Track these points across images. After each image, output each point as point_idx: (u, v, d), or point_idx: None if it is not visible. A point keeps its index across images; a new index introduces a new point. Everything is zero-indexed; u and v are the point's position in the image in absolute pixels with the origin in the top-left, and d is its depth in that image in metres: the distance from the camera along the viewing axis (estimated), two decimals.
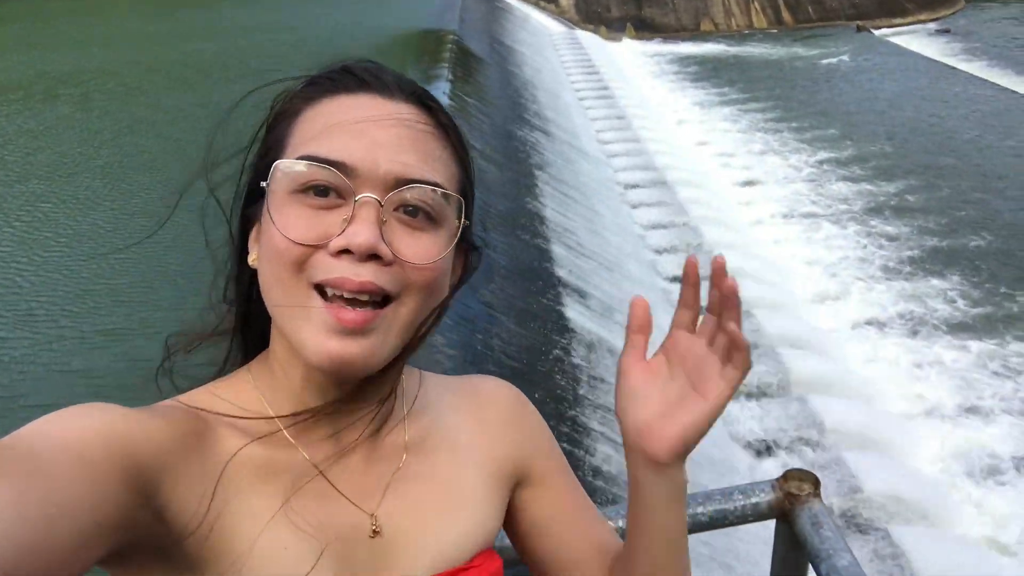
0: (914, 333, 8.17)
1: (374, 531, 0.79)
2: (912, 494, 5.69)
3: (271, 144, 0.78)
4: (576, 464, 4.72)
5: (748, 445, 6.26)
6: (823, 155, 13.74)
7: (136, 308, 5.61)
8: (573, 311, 6.60)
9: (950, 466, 6.30)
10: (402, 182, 0.73)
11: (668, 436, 0.77)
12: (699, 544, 4.41)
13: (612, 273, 8.00)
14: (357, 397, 0.79)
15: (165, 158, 8.84)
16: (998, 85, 17.87)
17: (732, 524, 1.27)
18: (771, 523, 1.29)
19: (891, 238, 10.39)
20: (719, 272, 0.75)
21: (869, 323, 8.39)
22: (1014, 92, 17.17)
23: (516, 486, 0.92)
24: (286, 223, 0.72)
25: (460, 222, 0.78)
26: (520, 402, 0.97)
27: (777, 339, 7.48)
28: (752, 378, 6.92)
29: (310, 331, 0.71)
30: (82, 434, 0.62)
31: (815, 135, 14.91)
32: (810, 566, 1.20)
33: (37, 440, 0.60)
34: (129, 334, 5.26)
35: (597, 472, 4.75)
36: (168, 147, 9.33)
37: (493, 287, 6.23)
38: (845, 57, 22.43)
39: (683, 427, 0.77)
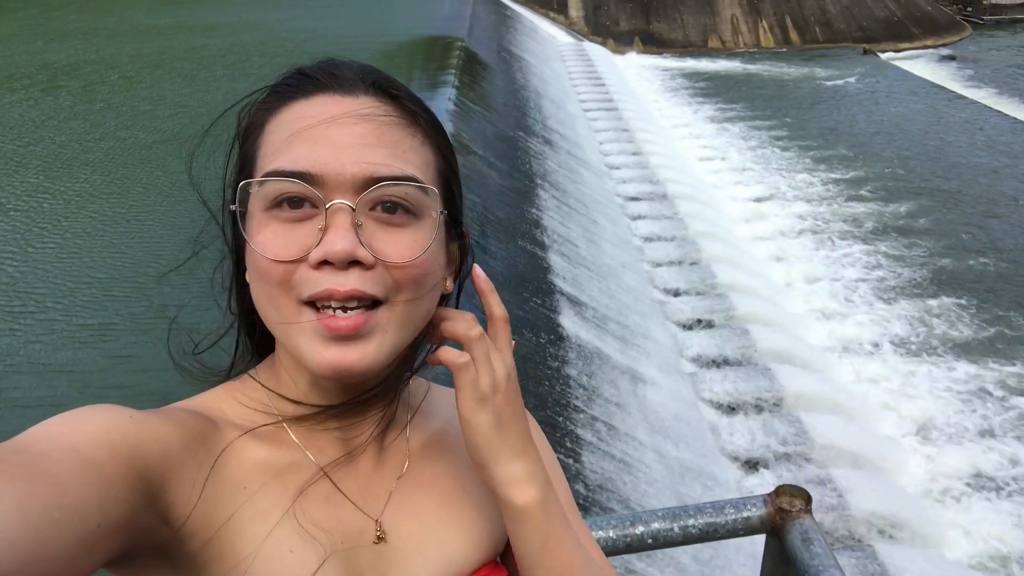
0: (909, 353, 8.19)
1: (379, 537, 0.78)
2: (901, 513, 5.70)
3: (243, 162, 0.76)
4: (565, 473, 4.70)
5: (737, 459, 6.25)
6: (827, 174, 13.79)
7: (128, 304, 5.59)
8: (568, 320, 6.60)
9: (939, 486, 6.32)
10: (371, 182, 0.71)
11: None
12: (688, 557, 4.39)
13: (608, 283, 8.00)
14: (363, 400, 0.79)
15: (164, 152, 8.83)
16: (1005, 113, 17.95)
17: (723, 537, 1.27)
18: (761, 538, 1.28)
19: (893, 259, 10.43)
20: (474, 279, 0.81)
21: (865, 342, 8.41)
22: (1020, 121, 17.24)
23: None
24: (264, 243, 0.71)
25: (440, 211, 0.76)
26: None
27: (771, 355, 7.48)
28: (745, 393, 6.92)
29: (306, 343, 0.71)
30: (88, 437, 0.61)
31: (820, 154, 14.97)
32: None
33: (43, 443, 0.59)
34: (117, 330, 5.24)
35: (587, 482, 4.73)
36: (167, 140, 9.32)
37: None
38: (852, 79, 22.53)
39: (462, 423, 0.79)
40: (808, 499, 1.26)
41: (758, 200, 12.56)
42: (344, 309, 0.70)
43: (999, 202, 12.57)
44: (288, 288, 0.70)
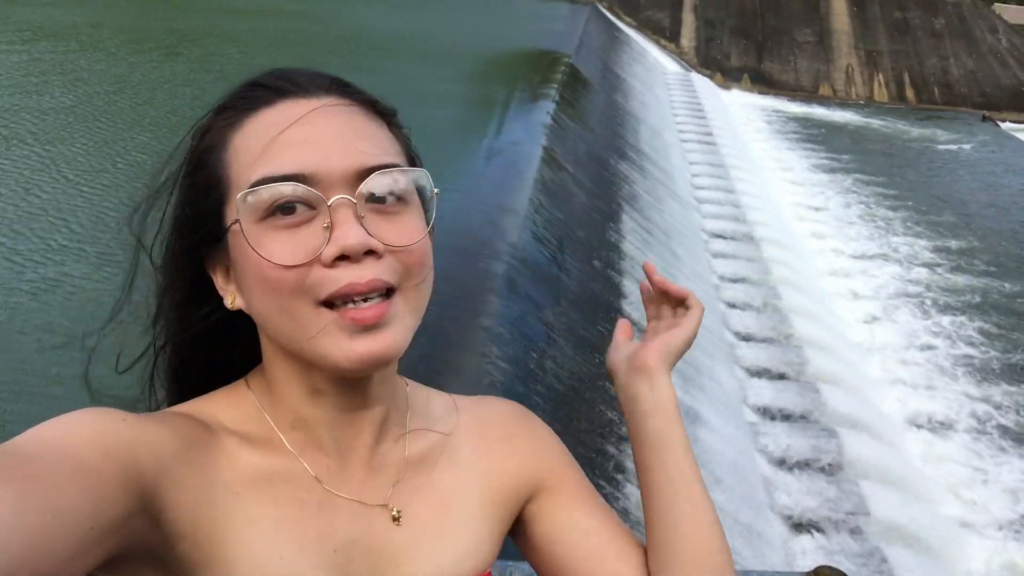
0: (982, 438, 7.76)
1: (372, 544, 0.79)
2: None
3: (209, 183, 0.75)
4: (607, 500, 4.62)
5: (788, 519, 6.02)
6: (931, 241, 13.13)
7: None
8: None
9: None
10: (364, 172, 0.72)
11: (654, 346, 0.96)
12: None
13: None
14: (359, 405, 0.79)
15: None
16: None
17: None
18: None
19: (990, 338, 9.86)
20: (650, 273, 1.05)
21: (938, 419, 8.00)
22: None
23: (527, 501, 0.91)
24: (270, 251, 0.70)
25: (426, 194, 0.78)
26: (523, 415, 0.95)
27: (839, 417, 7.21)
28: (806, 451, 6.68)
29: (331, 342, 0.71)
30: (83, 440, 0.62)
31: (926, 218, 14.30)
32: None
33: (37, 446, 0.60)
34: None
35: (626, 514, 4.64)
36: None
37: (557, 310, 6.18)
38: (968, 146, 21.62)
39: (664, 340, 0.97)
40: None
41: (852, 256, 12.13)
42: (365, 299, 0.70)
43: None
44: (302, 293, 0.70)
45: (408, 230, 0.74)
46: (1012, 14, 34.61)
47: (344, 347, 0.70)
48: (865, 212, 14.46)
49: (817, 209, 14.33)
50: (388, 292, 0.72)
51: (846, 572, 1.20)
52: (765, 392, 7.54)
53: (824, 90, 28.66)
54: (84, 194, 7.01)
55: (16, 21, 14.36)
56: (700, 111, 19.08)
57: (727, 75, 28.37)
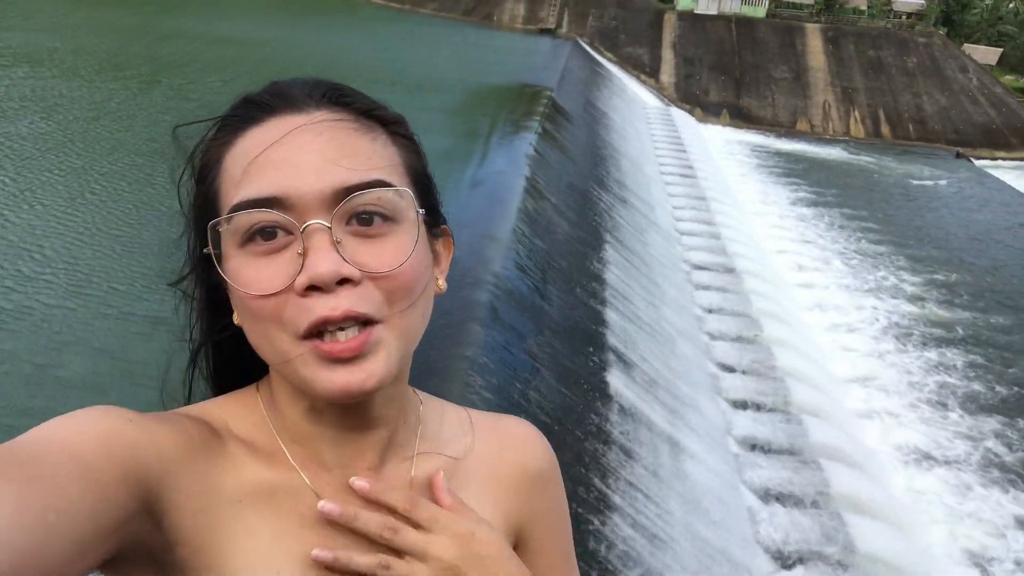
0: (967, 471, 7.75)
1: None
2: None
3: (204, 204, 0.73)
4: (590, 534, 4.53)
5: (772, 552, 5.95)
6: (911, 275, 13.33)
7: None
8: (616, 378, 6.44)
9: None
10: (341, 194, 0.67)
11: None
12: None
13: (663, 348, 7.82)
14: (362, 426, 0.77)
15: None
16: None
17: None
18: None
19: (972, 368, 9.94)
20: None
21: (921, 451, 8.00)
22: None
23: (513, 543, 0.88)
24: (246, 280, 0.68)
25: (417, 211, 0.72)
26: (550, 464, 0.92)
27: (822, 449, 7.18)
28: (790, 483, 6.63)
29: (311, 372, 0.68)
30: (86, 440, 0.61)
31: (906, 252, 14.53)
32: None
33: (40, 445, 0.59)
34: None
35: (610, 545, 4.54)
36: None
37: (541, 339, 6.13)
38: (943, 182, 22.07)
39: None
40: None
41: (833, 288, 12.22)
42: (342, 328, 0.67)
43: None
44: (281, 323, 0.68)
45: (390, 254, 0.69)
46: (981, 54, 35.46)
47: (323, 378, 0.68)
48: (846, 246, 14.61)
49: (798, 242, 14.46)
50: (368, 320, 0.68)
51: None
52: (749, 423, 7.51)
53: (802, 125, 29.12)
54: (59, 220, 6.91)
55: None
56: (680, 144, 19.29)
57: (706, 110, 28.77)
